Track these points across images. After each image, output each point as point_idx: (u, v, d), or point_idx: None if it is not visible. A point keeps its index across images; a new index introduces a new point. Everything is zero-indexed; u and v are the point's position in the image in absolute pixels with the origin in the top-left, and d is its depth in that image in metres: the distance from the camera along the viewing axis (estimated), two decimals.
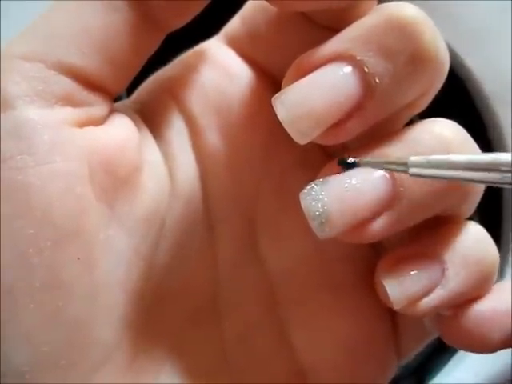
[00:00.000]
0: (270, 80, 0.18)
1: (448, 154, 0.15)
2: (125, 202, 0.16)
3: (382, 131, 0.16)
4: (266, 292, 0.18)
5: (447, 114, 0.16)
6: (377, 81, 0.15)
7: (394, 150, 0.15)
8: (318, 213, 0.15)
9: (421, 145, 0.15)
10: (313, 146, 0.17)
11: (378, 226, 0.15)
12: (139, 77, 0.17)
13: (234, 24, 0.18)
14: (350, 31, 0.15)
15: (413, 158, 0.15)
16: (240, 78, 0.18)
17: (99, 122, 0.16)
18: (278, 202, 0.18)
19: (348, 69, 0.15)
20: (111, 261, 0.16)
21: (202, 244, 0.18)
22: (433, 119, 0.16)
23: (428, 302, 0.16)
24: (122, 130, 0.16)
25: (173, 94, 0.18)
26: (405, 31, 0.15)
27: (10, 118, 0.15)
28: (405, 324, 0.18)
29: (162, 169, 0.17)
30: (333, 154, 0.17)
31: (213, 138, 0.17)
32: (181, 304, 0.17)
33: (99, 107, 0.16)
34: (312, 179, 0.15)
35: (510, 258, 0.30)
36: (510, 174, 0.14)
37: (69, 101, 0.15)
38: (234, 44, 0.18)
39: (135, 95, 0.18)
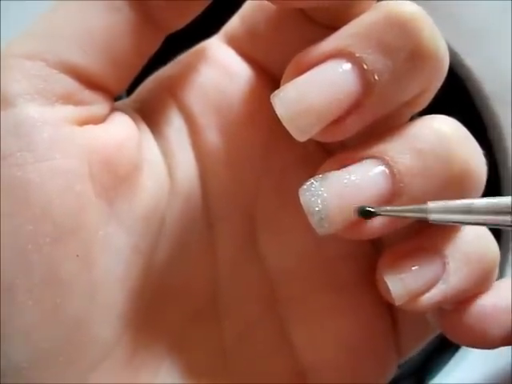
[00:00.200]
0: (270, 78, 0.18)
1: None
2: (124, 200, 0.16)
3: (381, 129, 0.16)
4: (266, 290, 0.18)
5: (447, 113, 0.16)
6: (376, 78, 0.15)
7: (393, 146, 0.15)
8: (317, 209, 0.15)
9: (420, 140, 0.15)
10: (312, 143, 0.17)
11: (378, 222, 0.15)
12: (139, 77, 0.17)
13: (234, 23, 0.18)
14: (349, 28, 0.15)
15: (431, 204, 0.14)
16: (240, 77, 0.18)
17: (99, 120, 0.16)
18: (277, 199, 0.18)
19: (347, 66, 0.15)
20: (110, 258, 0.16)
21: (202, 242, 0.18)
22: (432, 115, 0.16)
23: (429, 297, 0.16)
24: (121, 129, 0.16)
25: (172, 92, 0.18)
26: (404, 28, 0.15)
27: (11, 116, 0.15)
28: (405, 322, 0.18)
29: (162, 167, 0.17)
30: (332, 150, 0.17)
31: (212, 137, 0.17)
32: (180, 302, 0.17)
33: (100, 106, 0.16)
34: (312, 176, 0.15)
35: (510, 257, 0.30)
36: None
37: (69, 99, 0.15)
38: (234, 43, 0.18)
39: (135, 94, 0.18)
